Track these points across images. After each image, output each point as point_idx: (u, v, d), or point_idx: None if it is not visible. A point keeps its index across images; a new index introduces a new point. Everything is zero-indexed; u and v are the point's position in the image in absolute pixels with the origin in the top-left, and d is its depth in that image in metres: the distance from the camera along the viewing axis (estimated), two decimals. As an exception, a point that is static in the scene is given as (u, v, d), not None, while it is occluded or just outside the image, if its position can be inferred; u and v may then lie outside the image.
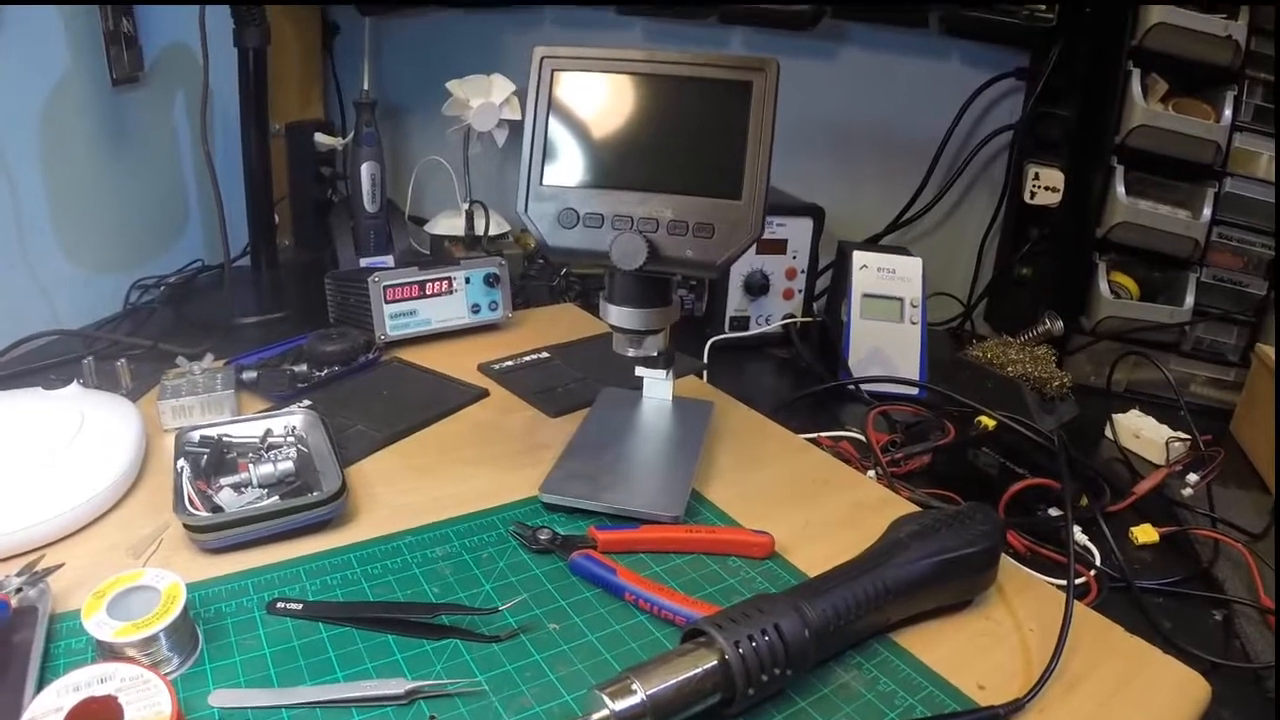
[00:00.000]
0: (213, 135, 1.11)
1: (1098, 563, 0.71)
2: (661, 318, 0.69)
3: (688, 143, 0.65)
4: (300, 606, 0.55)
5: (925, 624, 0.58)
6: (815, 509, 0.71)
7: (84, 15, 1.02)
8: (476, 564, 0.62)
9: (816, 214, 1.10)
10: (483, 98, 1.21)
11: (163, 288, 1.18)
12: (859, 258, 1.03)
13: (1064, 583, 0.63)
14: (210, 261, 1.28)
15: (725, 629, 0.48)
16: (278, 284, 1.28)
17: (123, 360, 0.87)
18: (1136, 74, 1.06)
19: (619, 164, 0.66)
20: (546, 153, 0.67)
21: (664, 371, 0.79)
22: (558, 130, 0.67)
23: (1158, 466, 0.90)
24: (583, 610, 0.58)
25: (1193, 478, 0.87)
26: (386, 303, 0.96)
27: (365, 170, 1.21)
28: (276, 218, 1.31)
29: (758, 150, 0.63)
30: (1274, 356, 0.97)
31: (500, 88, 1.22)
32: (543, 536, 0.64)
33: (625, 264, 0.62)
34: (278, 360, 0.92)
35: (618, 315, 0.69)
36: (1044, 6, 1.10)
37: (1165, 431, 0.94)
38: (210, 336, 0.96)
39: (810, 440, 0.84)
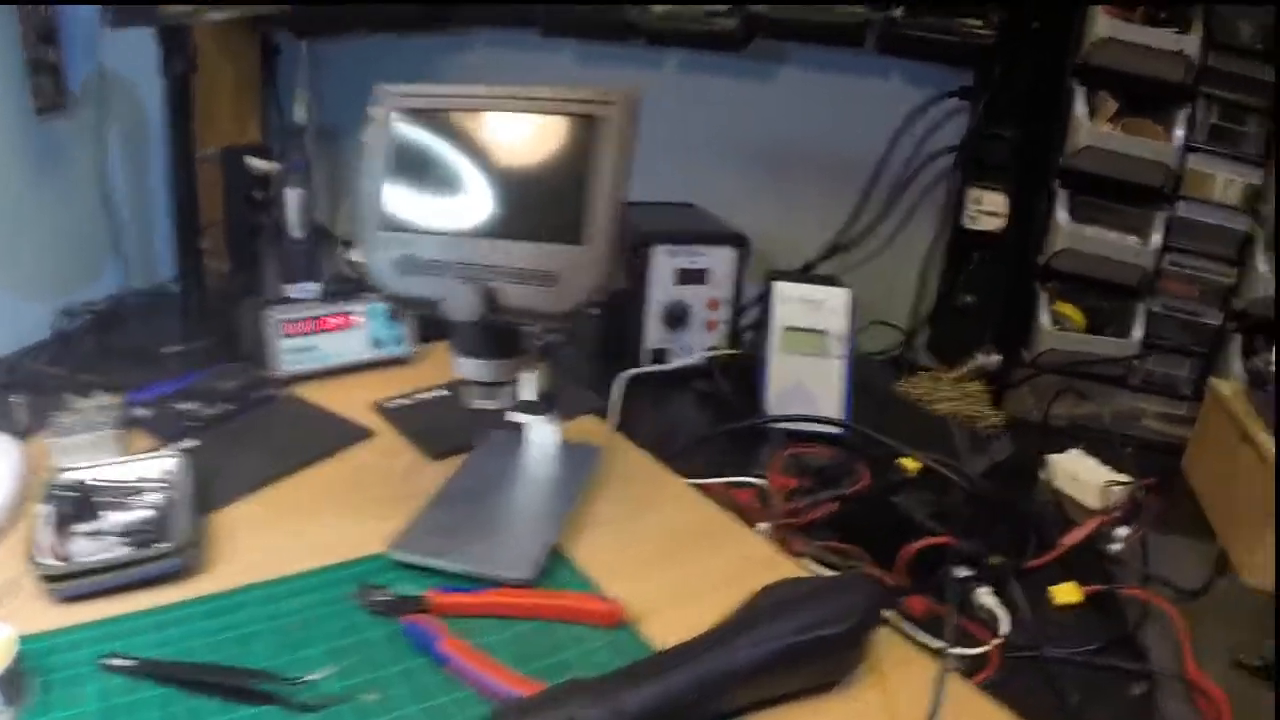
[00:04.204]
0: (144, 161, 1.09)
1: (1004, 629, 0.65)
2: (513, 369, 0.65)
3: (530, 185, 0.60)
4: (133, 664, 0.54)
5: (782, 708, 0.52)
6: (692, 566, 0.66)
7: (3, 45, 1.01)
8: (315, 624, 0.58)
9: (739, 243, 1.05)
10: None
11: (89, 315, 1.16)
12: (781, 289, 0.98)
13: (954, 652, 0.58)
14: (139, 288, 1.26)
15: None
16: (206, 311, 1.25)
17: (19, 396, 0.85)
18: (1081, 92, 1.01)
19: (461, 208, 0.61)
20: (387, 196, 0.62)
21: (544, 416, 0.75)
22: (398, 172, 0.63)
23: (1093, 513, 0.84)
24: (410, 680, 0.54)
25: (1123, 531, 0.81)
26: (285, 337, 0.93)
27: (290, 196, 1.18)
28: (207, 243, 1.29)
29: (604, 191, 0.58)
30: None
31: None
32: (379, 598, 0.60)
33: (458, 315, 0.58)
34: (177, 396, 0.89)
35: (465, 367, 0.64)
36: (980, 23, 1.05)
37: (1105, 474, 0.88)
38: (137, 365, 0.94)
39: (707, 486, 0.79)
